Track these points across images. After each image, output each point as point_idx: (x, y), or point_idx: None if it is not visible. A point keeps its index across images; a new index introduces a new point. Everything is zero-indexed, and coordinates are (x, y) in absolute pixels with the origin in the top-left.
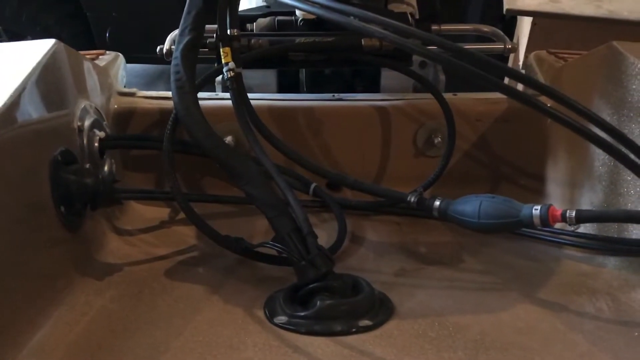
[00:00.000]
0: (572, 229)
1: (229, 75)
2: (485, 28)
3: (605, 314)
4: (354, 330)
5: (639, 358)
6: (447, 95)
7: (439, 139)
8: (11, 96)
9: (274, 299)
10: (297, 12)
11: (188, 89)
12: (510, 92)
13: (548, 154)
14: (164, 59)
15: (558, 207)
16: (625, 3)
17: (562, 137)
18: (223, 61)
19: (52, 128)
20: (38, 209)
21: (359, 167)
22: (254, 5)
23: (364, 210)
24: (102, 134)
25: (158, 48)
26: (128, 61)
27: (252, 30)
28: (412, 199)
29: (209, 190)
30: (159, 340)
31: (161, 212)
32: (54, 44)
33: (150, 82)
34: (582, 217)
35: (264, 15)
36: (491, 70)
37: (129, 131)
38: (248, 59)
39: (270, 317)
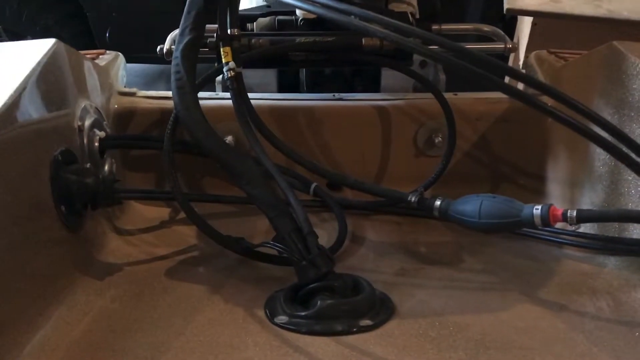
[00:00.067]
0: (573, 228)
1: (229, 75)
2: (486, 28)
3: (605, 313)
4: (354, 330)
5: (639, 358)
6: (448, 95)
7: (440, 139)
8: (11, 96)
9: (275, 299)
10: (298, 12)
11: (188, 88)
12: (511, 91)
13: (548, 154)
14: (164, 58)
15: (559, 207)
16: (625, 3)
17: (563, 136)
18: (223, 61)
19: (52, 128)
20: (38, 209)
21: (360, 166)
22: (254, 5)
23: (365, 210)
24: (102, 134)
25: (158, 48)
26: (128, 61)
27: (252, 29)
28: (413, 199)
29: (209, 190)
30: (159, 340)
31: (161, 212)
32: (54, 44)
33: (151, 82)
34: (583, 217)
35: (264, 15)
36: (492, 70)
37: (129, 131)
38: (248, 58)
39: (271, 317)
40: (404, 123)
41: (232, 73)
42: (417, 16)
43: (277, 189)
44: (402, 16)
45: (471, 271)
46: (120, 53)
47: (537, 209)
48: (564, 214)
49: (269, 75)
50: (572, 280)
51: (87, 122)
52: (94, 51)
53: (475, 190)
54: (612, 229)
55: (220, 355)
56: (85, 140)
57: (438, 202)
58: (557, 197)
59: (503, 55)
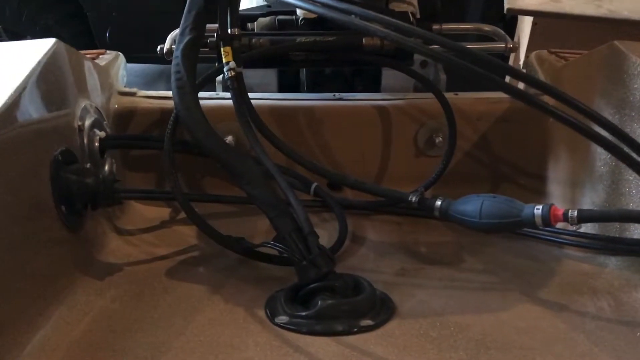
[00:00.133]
0: (574, 228)
1: (230, 75)
2: (487, 27)
3: (606, 313)
4: (355, 330)
5: None
6: (448, 95)
7: (440, 139)
8: (11, 96)
9: (275, 299)
10: (298, 12)
11: (189, 88)
12: (512, 91)
13: (549, 154)
14: (165, 58)
15: (559, 207)
16: (626, 2)
17: (564, 136)
18: (224, 60)
19: (52, 128)
20: (38, 209)
21: (360, 166)
22: (254, 5)
23: (365, 210)
24: (102, 134)
25: (159, 47)
26: (128, 61)
27: (252, 29)
28: (413, 199)
29: (209, 190)
30: (160, 340)
31: (162, 212)
32: (54, 44)
33: (151, 82)
34: (584, 217)
35: (264, 15)
36: (493, 70)
37: (129, 131)
38: (249, 58)
39: (272, 317)
40: (405, 123)
41: (233, 73)
42: (418, 16)
43: (277, 189)
44: (403, 16)
45: (472, 271)
46: (120, 53)
47: (538, 209)
48: (565, 214)
49: (269, 75)
50: (573, 280)
51: (87, 122)
52: (94, 51)
53: (476, 190)
54: (613, 229)
55: (220, 355)
56: (85, 140)
57: (439, 202)
58: (557, 197)
59: (504, 55)
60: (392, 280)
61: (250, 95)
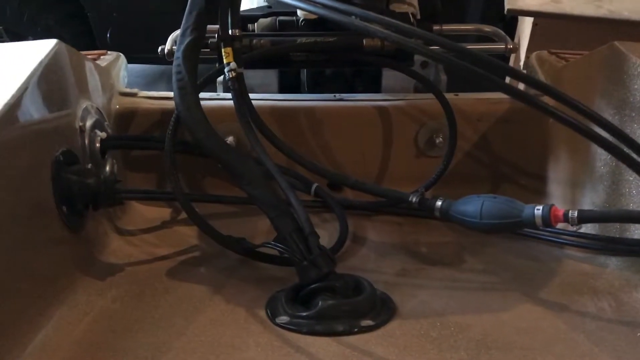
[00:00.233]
0: (574, 229)
1: (231, 76)
2: (487, 28)
3: (607, 314)
4: (355, 330)
5: None
6: (449, 96)
7: (441, 139)
8: (13, 96)
9: (276, 299)
10: (299, 12)
11: (190, 89)
12: (512, 92)
13: (549, 154)
14: (166, 59)
15: (559, 207)
16: (626, 3)
17: (564, 137)
18: (225, 61)
19: (53, 128)
20: (40, 209)
21: (360, 167)
22: (255, 6)
23: (366, 210)
24: (103, 134)
25: (160, 48)
26: (129, 61)
27: (253, 30)
28: (414, 199)
29: (210, 191)
30: (161, 340)
31: (163, 212)
32: (56, 44)
33: (151, 82)
34: (584, 218)
35: (265, 16)
36: (493, 70)
37: (130, 131)
38: (249, 59)
39: (272, 317)
40: (405, 123)
41: (234, 74)
42: (418, 16)
43: (278, 190)
44: (403, 17)
45: (472, 271)
46: (121, 54)
47: (538, 210)
48: (565, 215)
49: (270, 75)
50: (574, 280)
51: (89, 123)
52: (96, 52)
53: (476, 191)
54: (613, 230)
55: (221, 355)
56: (86, 141)
57: (439, 203)
58: (558, 198)
59: (504, 56)
60: (393, 281)
61: (251, 95)
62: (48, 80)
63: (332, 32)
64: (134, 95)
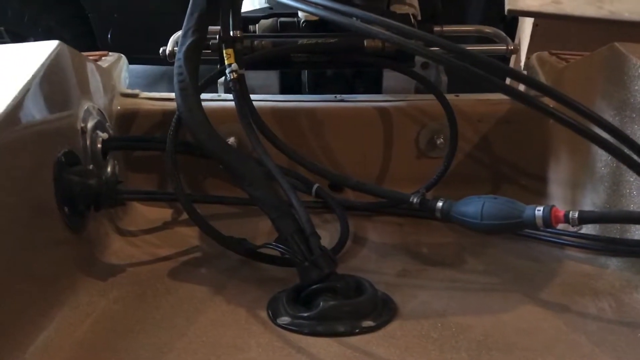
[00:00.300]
0: (575, 229)
1: (232, 77)
2: (488, 29)
3: (607, 314)
4: (357, 331)
5: None
6: (449, 96)
7: (441, 140)
8: (15, 97)
9: (277, 300)
10: (300, 14)
11: (191, 90)
12: (512, 93)
13: (550, 155)
14: (167, 60)
15: (560, 208)
16: (626, 4)
17: (564, 138)
18: (226, 63)
19: (55, 129)
20: (42, 210)
21: (361, 168)
22: (256, 7)
23: (366, 211)
24: (105, 135)
25: (161, 49)
26: (130, 62)
27: (254, 31)
28: (415, 200)
29: (211, 191)
30: (162, 341)
31: (164, 213)
32: (58, 46)
33: (152, 83)
34: (585, 218)
35: (266, 17)
36: (493, 72)
37: (131, 132)
38: (251, 60)
39: (274, 318)
40: (406, 124)
41: (235, 75)
42: (419, 17)
43: (279, 190)
44: (404, 18)
45: (473, 272)
46: (122, 55)
47: (539, 210)
48: (566, 215)
49: (271, 76)
50: (574, 281)
51: (90, 124)
52: (97, 53)
53: (477, 191)
54: (613, 230)
55: (223, 356)
56: (88, 142)
57: (440, 204)
58: (558, 198)
59: (505, 57)
60: (394, 281)
61: (252, 96)
62: (50, 82)
63: (333, 33)
64: (135, 96)
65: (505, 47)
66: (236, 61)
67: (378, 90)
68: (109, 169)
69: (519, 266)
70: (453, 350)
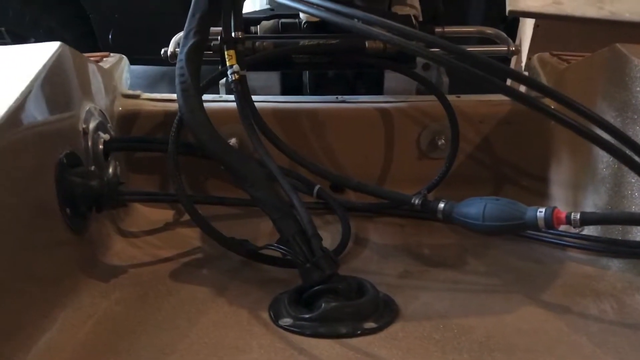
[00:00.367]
0: (576, 231)
1: (234, 78)
2: (489, 30)
3: (609, 316)
4: (358, 332)
5: None
6: (451, 97)
7: (443, 141)
8: (17, 99)
9: (279, 301)
10: (301, 15)
11: (193, 91)
12: (513, 94)
13: (551, 156)
14: (169, 61)
15: (562, 209)
16: (627, 4)
17: (566, 139)
18: (227, 64)
19: (57, 130)
20: (43, 212)
21: (363, 169)
22: (258, 8)
23: (368, 212)
24: (106, 136)
25: (163, 50)
26: (131, 62)
27: (256, 32)
28: (416, 201)
29: (213, 192)
30: (164, 342)
31: (166, 214)
32: (59, 47)
33: (153, 84)
34: (587, 220)
35: (268, 18)
36: (494, 73)
37: (133, 133)
38: (252, 61)
39: (275, 319)
40: (407, 125)
41: (236, 76)
42: (420, 18)
43: (280, 191)
44: (405, 19)
45: (475, 273)
46: (124, 56)
47: (541, 212)
48: (568, 217)
49: (273, 77)
50: (576, 282)
51: (92, 125)
52: (99, 54)
53: (478, 192)
54: (615, 231)
55: (224, 357)
56: (89, 143)
57: (442, 205)
58: (560, 199)
59: (506, 58)
60: (396, 283)
61: (254, 97)
62: (52, 83)
63: (335, 34)
64: (136, 97)
65: (506, 48)
66: (238, 62)
67: (379, 91)
68: (110, 170)
69: (520, 267)
70: (455, 352)
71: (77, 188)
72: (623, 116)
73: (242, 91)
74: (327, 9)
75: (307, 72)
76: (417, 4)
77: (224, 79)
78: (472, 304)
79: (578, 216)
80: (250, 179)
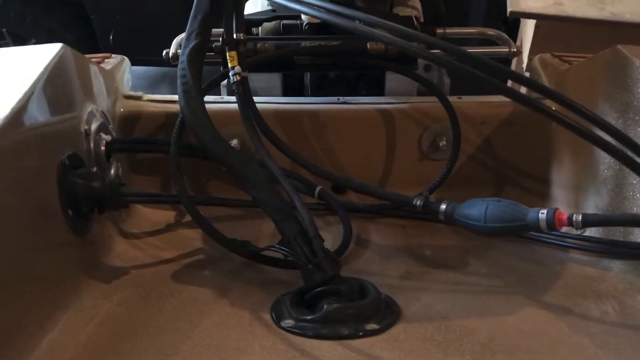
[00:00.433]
0: (578, 232)
1: (235, 80)
2: (490, 31)
3: (611, 317)
4: (361, 333)
5: None
6: (452, 99)
7: (444, 142)
8: (20, 100)
9: (281, 303)
10: (303, 16)
11: (194, 92)
12: (514, 95)
13: (553, 157)
14: (170, 62)
15: (563, 211)
16: (628, 5)
17: (567, 140)
18: (229, 65)
19: (59, 132)
20: (45, 213)
21: (364, 170)
22: (259, 10)
23: (369, 213)
24: (108, 138)
25: (164, 52)
26: (132, 63)
27: (257, 34)
28: (418, 203)
29: (215, 194)
30: (166, 344)
31: (167, 215)
32: (61, 49)
33: (154, 84)
34: (588, 221)
35: (269, 20)
36: (495, 74)
37: (134, 134)
38: (254, 62)
39: (277, 321)
40: (409, 126)
41: (238, 77)
42: (422, 20)
43: (282, 192)
44: (407, 20)
45: (477, 275)
46: (125, 57)
47: (543, 213)
48: (570, 218)
49: (274, 78)
50: (577, 283)
51: (94, 126)
52: (100, 55)
53: (480, 193)
54: (617, 233)
55: (226, 358)
56: (91, 144)
57: (443, 206)
58: (561, 201)
59: (507, 59)
60: (397, 284)
61: (255, 99)
62: (54, 85)
63: (336, 35)
64: (138, 98)
65: (507, 50)
66: (239, 64)
67: (380, 93)
68: (112, 172)
69: (522, 269)
70: (457, 354)
71: (79, 189)
72: (624, 117)
73: (243, 92)
74: (329, 11)
75: (309, 73)
76: (418, 5)
77: (226, 80)
78: (474, 305)
79: (580, 218)
80: (251, 180)
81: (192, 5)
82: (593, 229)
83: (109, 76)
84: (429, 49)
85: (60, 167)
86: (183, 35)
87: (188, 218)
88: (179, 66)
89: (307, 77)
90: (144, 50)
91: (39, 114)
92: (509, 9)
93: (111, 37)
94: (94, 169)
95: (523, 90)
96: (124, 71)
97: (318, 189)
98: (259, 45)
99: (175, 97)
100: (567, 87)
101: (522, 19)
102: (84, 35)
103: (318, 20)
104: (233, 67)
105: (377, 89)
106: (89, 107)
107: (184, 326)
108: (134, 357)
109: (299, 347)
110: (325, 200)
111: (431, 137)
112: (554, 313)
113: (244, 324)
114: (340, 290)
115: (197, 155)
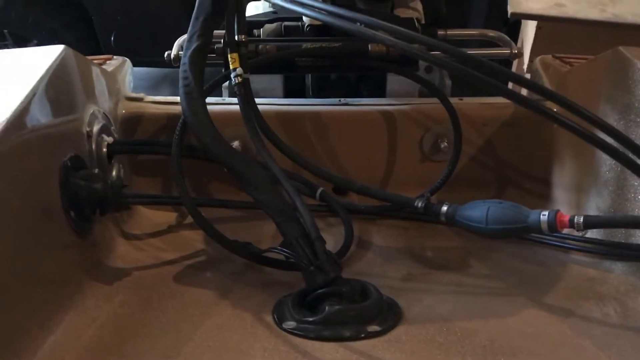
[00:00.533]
0: (580, 234)
1: (237, 81)
2: (492, 33)
3: (612, 319)
4: (362, 335)
5: None
6: (453, 100)
7: (445, 144)
8: (22, 102)
9: (283, 304)
10: (304, 18)
11: (196, 94)
12: (515, 97)
13: (554, 159)
14: (172, 64)
15: (565, 212)
16: (629, 6)
17: (569, 142)
18: (231, 67)
19: (61, 133)
20: (48, 215)
21: (365, 171)
22: (261, 11)
23: (371, 214)
24: (110, 139)
25: (166, 53)
26: (133, 64)
27: (259, 35)
28: (420, 204)
29: (216, 195)
30: (168, 345)
31: (169, 217)
32: (63, 50)
33: (155, 85)
34: (590, 223)
35: (271, 21)
36: (495, 76)
37: (136, 136)
38: (255, 64)
39: (279, 322)
40: (410, 128)
41: (240, 79)
42: (423, 21)
43: (284, 194)
44: (408, 22)
45: (478, 276)
46: (127, 58)
47: (544, 215)
48: (571, 220)
49: (275, 80)
50: (579, 285)
51: (96, 128)
52: (102, 57)
53: (482, 195)
54: (618, 234)
55: None
56: (93, 146)
57: (445, 208)
58: (563, 202)
59: (508, 61)
60: (399, 286)
61: (257, 100)
62: (56, 86)
63: (337, 37)
64: (140, 100)
65: (509, 51)
66: (241, 65)
67: (382, 94)
68: (114, 173)
69: (523, 270)
70: (459, 355)
71: (81, 191)
72: (626, 119)
73: (245, 94)
74: (330, 13)
75: (310, 74)
76: (419, 7)
77: (227, 82)
78: (476, 307)
79: (581, 219)
80: (253, 181)
81: (193, 7)
82: (594, 230)
83: (111, 78)
84: (430, 50)
85: (63, 168)
86: (184, 36)
87: (190, 219)
88: (180, 68)
89: (309, 78)
90: (145, 51)
91: (41, 116)
92: (510, 11)
93: (112, 39)
94: (96, 171)
95: (524, 92)
96: (126, 73)
97: (319, 190)
98: (260, 46)
99: (177, 99)
100: (568, 89)
101: (523, 21)
102: (85, 37)
103: (319, 22)
104: (235, 69)
105: (379, 91)
106: (91, 109)
107: (185, 328)
108: (136, 358)
109: (300, 348)
110: (326, 202)
111: (432, 139)
112: (556, 315)
113: (245, 326)
114: (342, 292)
115: (198, 156)
